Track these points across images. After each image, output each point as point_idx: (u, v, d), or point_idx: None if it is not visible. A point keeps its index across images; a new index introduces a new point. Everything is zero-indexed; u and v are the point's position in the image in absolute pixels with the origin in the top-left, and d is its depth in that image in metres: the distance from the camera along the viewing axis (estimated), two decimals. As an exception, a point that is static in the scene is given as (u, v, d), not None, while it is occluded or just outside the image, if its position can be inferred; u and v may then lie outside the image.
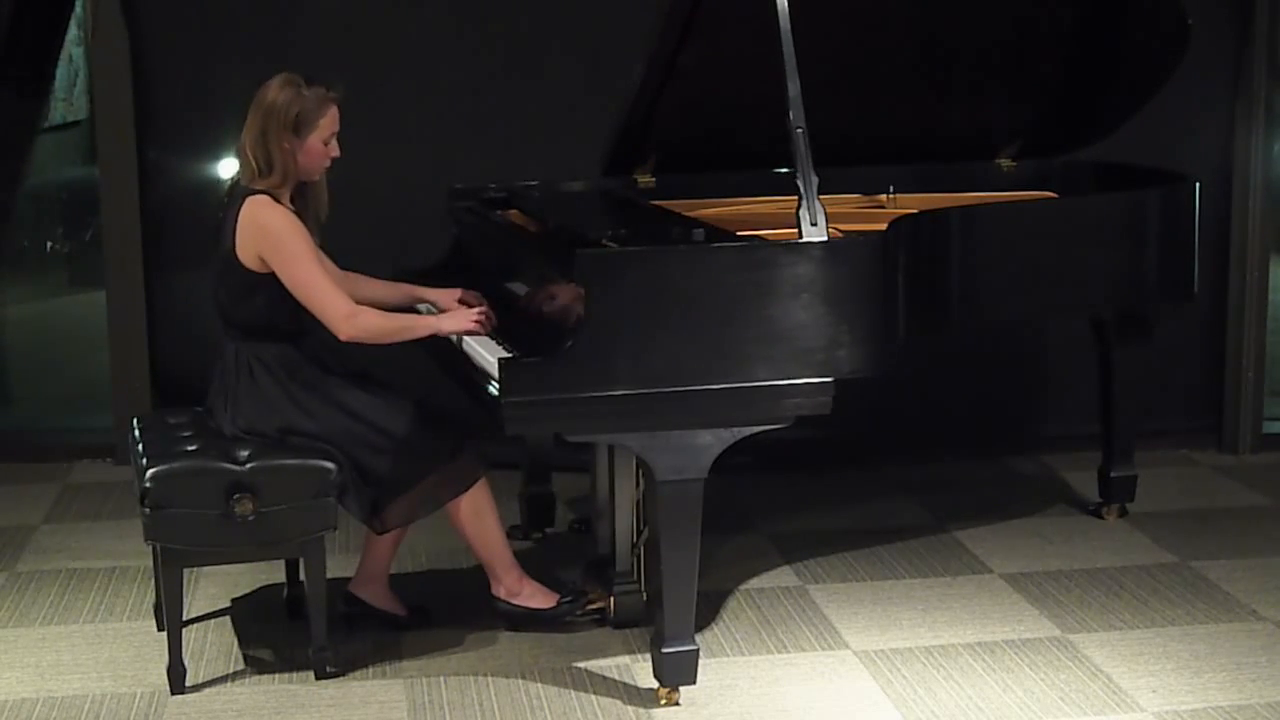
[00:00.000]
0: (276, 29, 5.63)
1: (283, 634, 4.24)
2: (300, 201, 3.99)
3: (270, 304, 3.92)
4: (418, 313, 4.16)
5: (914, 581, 4.66)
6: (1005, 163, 5.25)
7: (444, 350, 4.19)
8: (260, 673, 4.02)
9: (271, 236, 3.85)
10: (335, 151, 3.96)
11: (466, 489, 4.01)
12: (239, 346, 4.00)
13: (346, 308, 3.85)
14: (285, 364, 3.98)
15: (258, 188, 3.90)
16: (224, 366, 4.03)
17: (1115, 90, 5.06)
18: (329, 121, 3.91)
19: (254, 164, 3.88)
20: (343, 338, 3.87)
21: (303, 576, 4.02)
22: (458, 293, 4.23)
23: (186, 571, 4.05)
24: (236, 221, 3.88)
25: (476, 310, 4.01)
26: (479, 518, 4.07)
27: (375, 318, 3.91)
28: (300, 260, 3.84)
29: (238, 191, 3.94)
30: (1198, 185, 4.84)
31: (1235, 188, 5.87)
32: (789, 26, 3.85)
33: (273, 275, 3.89)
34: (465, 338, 4.03)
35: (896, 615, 4.40)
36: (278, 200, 3.90)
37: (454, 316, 4.01)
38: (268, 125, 3.85)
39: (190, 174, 5.76)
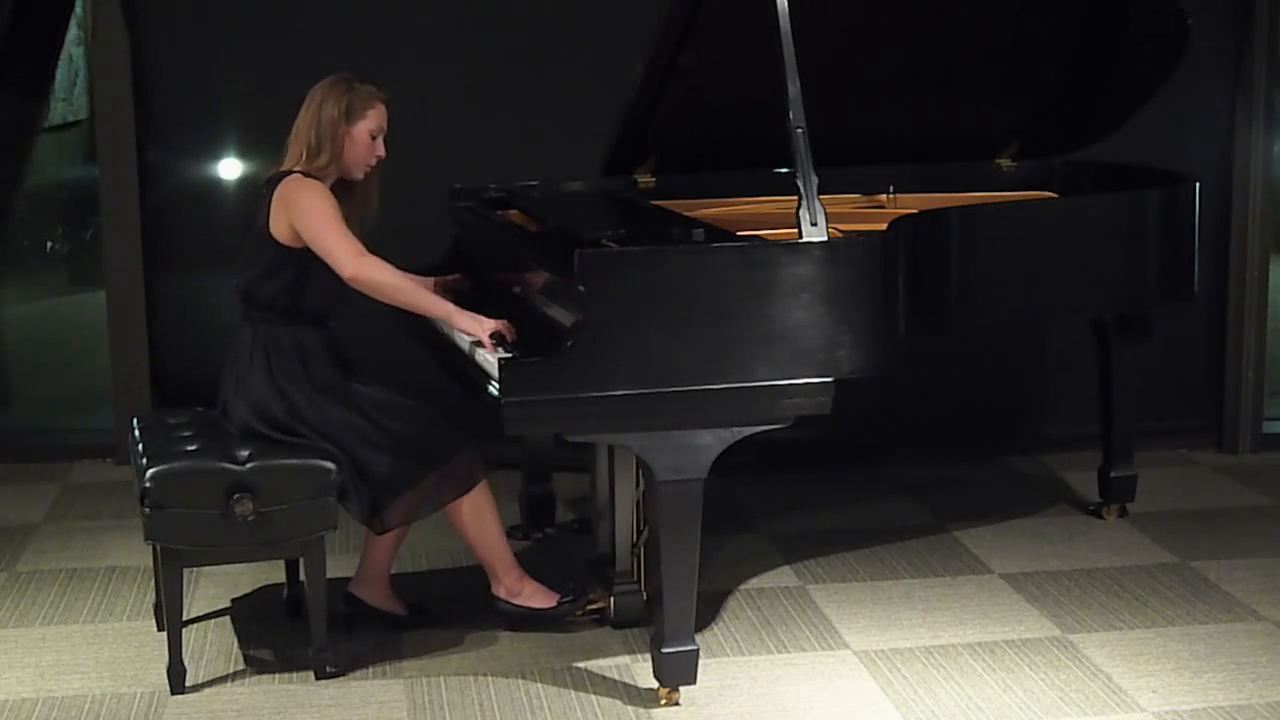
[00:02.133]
0: (276, 29, 5.63)
1: (283, 634, 4.24)
2: (346, 203, 4.06)
3: (296, 282, 3.98)
4: None
5: (914, 581, 4.66)
6: (1005, 163, 5.26)
7: (445, 350, 4.19)
8: (260, 673, 4.02)
9: (299, 199, 3.93)
10: (380, 151, 4.08)
11: (467, 490, 4.01)
12: (256, 329, 4.03)
13: (356, 247, 3.91)
14: (300, 349, 4.01)
15: (297, 169, 3.99)
16: (237, 351, 4.06)
17: (1115, 90, 5.06)
18: (376, 115, 4.05)
19: (305, 146, 3.99)
20: (347, 274, 3.89)
21: (303, 576, 4.02)
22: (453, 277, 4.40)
23: (186, 571, 4.05)
24: (272, 201, 3.97)
25: (496, 322, 3.89)
26: (479, 519, 4.07)
27: (384, 267, 3.94)
28: (320, 212, 3.92)
29: (275, 178, 4.02)
30: (1198, 185, 4.84)
31: (1235, 188, 5.87)
32: (789, 27, 3.85)
33: (303, 252, 3.95)
34: (466, 338, 4.03)
35: (896, 615, 4.40)
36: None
37: (476, 320, 3.90)
38: (322, 111, 3.99)
39: (190, 174, 5.77)
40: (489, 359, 3.80)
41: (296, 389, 3.98)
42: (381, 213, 4.27)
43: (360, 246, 3.92)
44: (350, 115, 4.00)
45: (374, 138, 4.05)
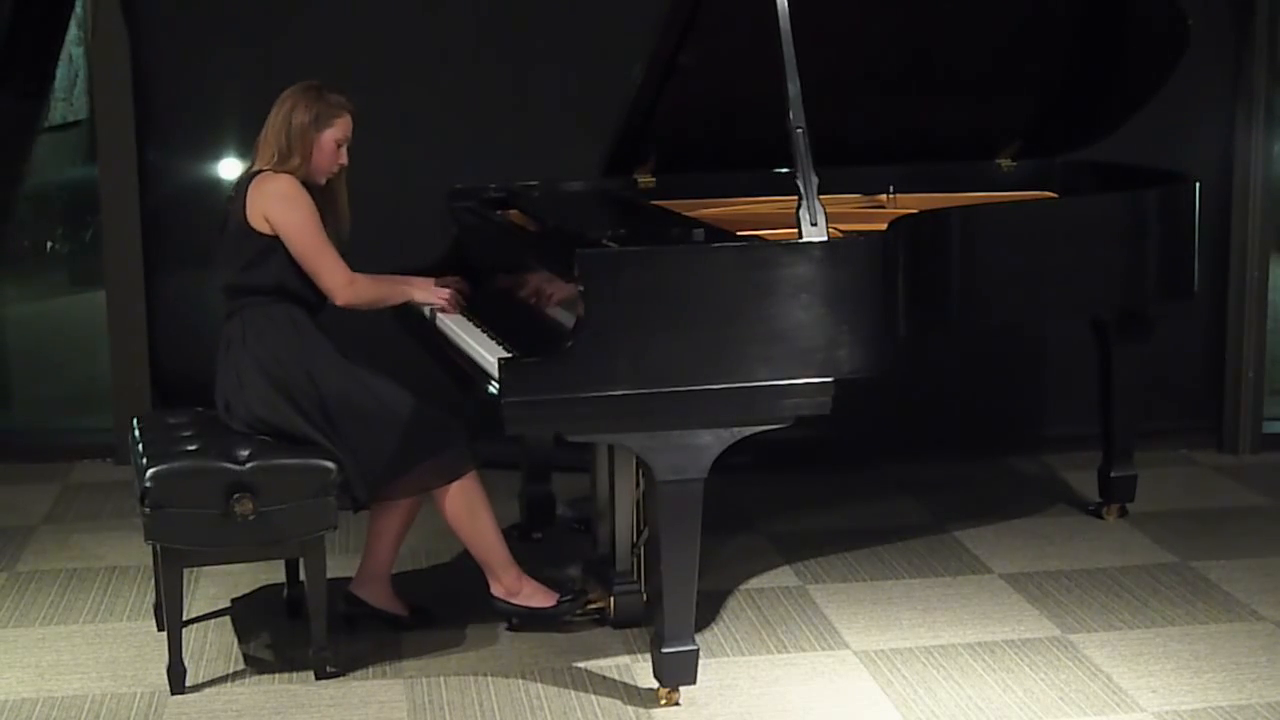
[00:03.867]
0: (276, 30, 5.63)
1: (283, 634, 4.24)
2: (318, 204, 4.10)
3: (282, 267, 4.01)
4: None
5: (914, 581, 4.66)
6: (1005, 163, 5.25)
7: (443, 348, 4.19)
8: (260, 673, 4.02)
9: (280, 200, 3.98)
10: (343, 159, 4.12)
11: (453, 480, 4.01)
12: (245, 314, 4.04)
13: (345, 275, 4.03)
14: (295, 323, 4.04)
15: (268, 170, 4.02)
16: (229, 338, 4.07)
17: (1115, 90, 5.06)
18: (343, 124, 4.10)
19: (275, 150, 4.03)
20: (340, 302, 4.03)
21: (303, 576, 4.02)
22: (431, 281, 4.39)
23: (186, 571, 4.05)
24: (247, 198, 4.00)
25: (448, 291, 4.25)
26: (472, 515, 4.07)
27: (370, 283, 4.12)
28: (305, 225, 3.99)
29: (247, 180, 4.05)
30: (1198, 185, 4.84)
31: (1235, 188, 5.87)
32: (789, 26, 3.85)
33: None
34: (465, 337, 4.04)
35: (896, 615, 4.40)
36: None
37: (425, 289, 4.23)
38: (292, 117, 4.04)
39: (190, 174, 5.77)
40: (487, 357, 3.80)
41: (292, 356, 4.00)
42: (382, 213, 4.29)
43: (348, 273, 4.02)
44: (319, 122, 4.05)
45: (339, 145, 4.10)
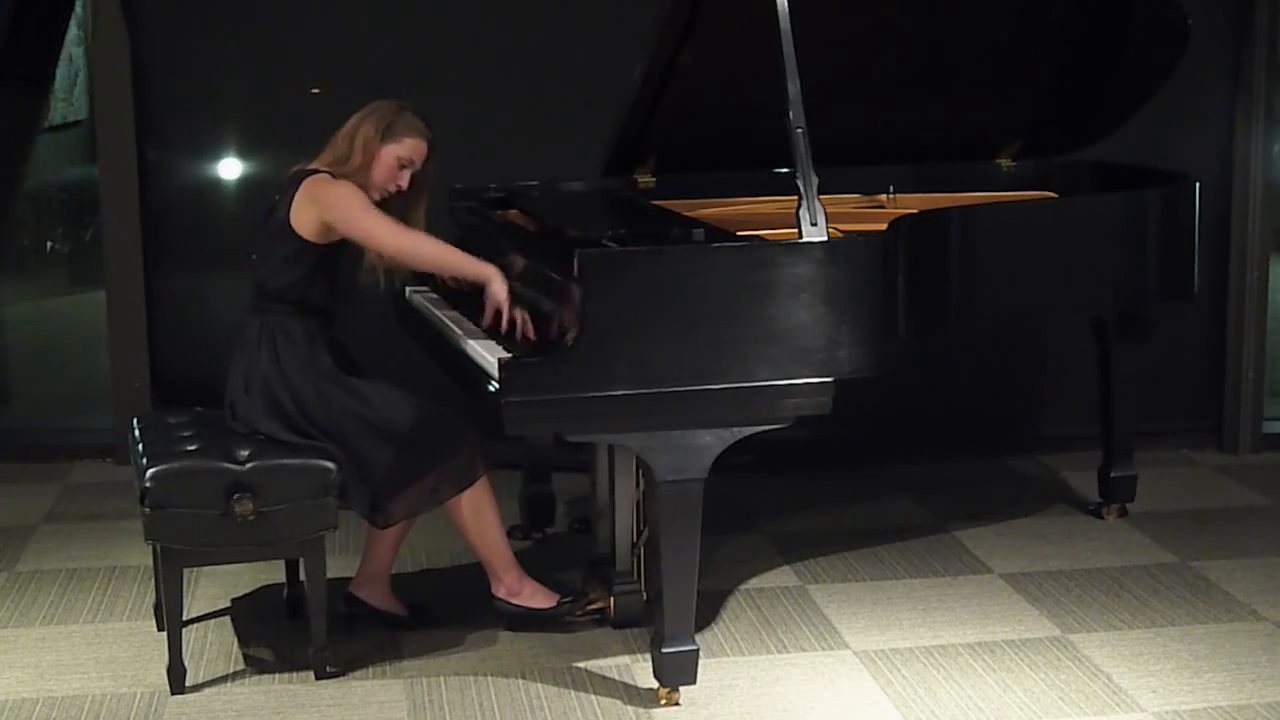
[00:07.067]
0: (277, 30, 5.63)
1: (283, 634, 4.24)
2: None
3: (311, 274, 4.00)
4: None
5: (914, 581, 4.66)
6: (1005, 163, 5.26)
7: (445, 349, 4.19)
8: (260, 673, 4.02)
9: (330, 195, 3.94)
10: (403, 181, 4.06)
11: (467, 487, 4.02)
12: (265, 319, 4.03)
13: (395, 224, 3.96)
14: (309, 341, 4.02)
15: (325, 169, 4.00)
16: (244, 342, 4.07)
17: (1115, 90, 5.06)
18: (412, 144, 4.05)
19: (340, 148, 4.01)
20: (390, 248, 3.95)
21: (303, 576, 4.02)
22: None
23: (186, 571, 4.05)
24: (294, 196, 3.98)
25: (519, 311, 3.93)
26: (479, 517, 4.08)
27: (424, 236, 4.01)
28: (353, 202, 3.94)
29: (300, 174, 4.03)
30: (1198, 185, 4.84)
31: (1235, 188, 5.87)
32: (789, 26, 3.85)
33: (323, 247, 3.98)
34: (466, 337, 4.04)
35: (896, 615, 4.40)
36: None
37: (502, 290, 3.92)
38: (365, 122, 4.02)
39: (190, 174, 5.77)
40: (488, 357, 3.80)
41: (303, 378, 3.99)
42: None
43: (398, 224, 3.96)
44: (386, 135, 4.01)
45: (402, 166, 4.04)
